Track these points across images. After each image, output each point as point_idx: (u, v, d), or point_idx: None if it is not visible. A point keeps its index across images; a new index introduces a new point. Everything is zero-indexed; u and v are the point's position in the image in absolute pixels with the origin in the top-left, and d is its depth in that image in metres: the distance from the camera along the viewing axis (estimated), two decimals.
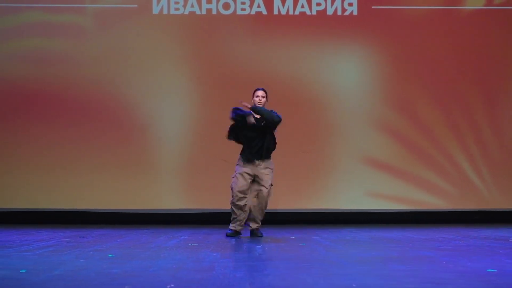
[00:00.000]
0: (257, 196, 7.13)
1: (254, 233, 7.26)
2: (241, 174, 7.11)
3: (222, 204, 8.89)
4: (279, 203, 9.20)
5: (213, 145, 9.58)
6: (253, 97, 7.19)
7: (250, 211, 7.18)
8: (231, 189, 7.17)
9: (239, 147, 7.38)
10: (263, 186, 7.10)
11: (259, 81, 9.22)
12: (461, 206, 9.86)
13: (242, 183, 7.09)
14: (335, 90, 9.86)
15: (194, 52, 9.86)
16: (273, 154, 7.33)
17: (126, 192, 9.66)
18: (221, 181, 9.11)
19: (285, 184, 9.38)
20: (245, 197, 7.11)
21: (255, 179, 7.16)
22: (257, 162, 7.13)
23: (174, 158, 9.78)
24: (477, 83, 10.00)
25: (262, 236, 7.21)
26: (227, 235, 7.18)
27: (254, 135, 7.11)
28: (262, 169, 7.12)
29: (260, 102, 7.10)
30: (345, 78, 9.90)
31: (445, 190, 9.85)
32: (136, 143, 9.74)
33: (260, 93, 7.18)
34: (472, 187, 9.88)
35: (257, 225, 7.25)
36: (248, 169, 7.12)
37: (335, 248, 5.89)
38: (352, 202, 9.77)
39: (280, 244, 6.29)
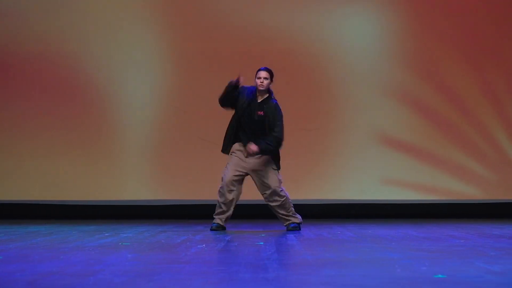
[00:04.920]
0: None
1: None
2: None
3: (201, 195, 8.93)
4: None
5: (191, 120, 9.56)
6: (255, 77, 7.35)
7: None
8: None
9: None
10: None
11: (246, 40, 9.18)
12: (500, 197, 9.69)
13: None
14: (343, 51, 9.74)
15: (166, 2, 9.85)
16: None
17: (81, 180, 9.73)
18: (201, 166, 9.14)
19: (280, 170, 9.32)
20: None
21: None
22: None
23: (141, 137, 9.80)
24: None
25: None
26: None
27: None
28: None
29: (262, 85, 7.28)
30: (356, 36, 9.77)
31: (481, 176, 9.68)
32: (92, 118, 9.78)
33: (262, 74, 7.32)
34: None
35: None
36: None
37: (292, 249, 5.81)
38: (363, 192, 9.69)
39: (232, 244, 6.25)
